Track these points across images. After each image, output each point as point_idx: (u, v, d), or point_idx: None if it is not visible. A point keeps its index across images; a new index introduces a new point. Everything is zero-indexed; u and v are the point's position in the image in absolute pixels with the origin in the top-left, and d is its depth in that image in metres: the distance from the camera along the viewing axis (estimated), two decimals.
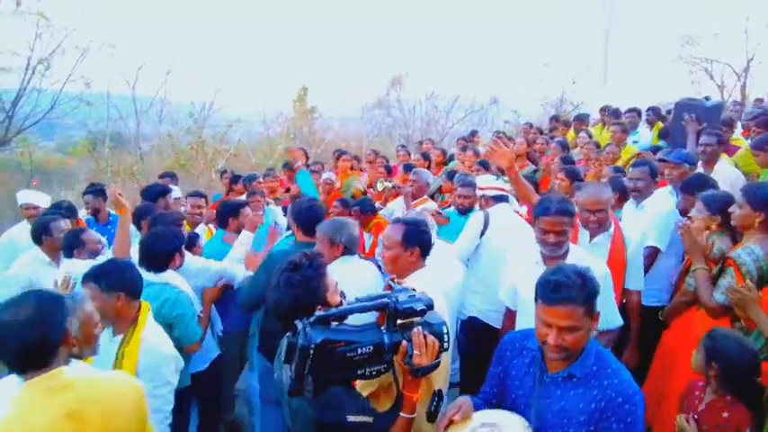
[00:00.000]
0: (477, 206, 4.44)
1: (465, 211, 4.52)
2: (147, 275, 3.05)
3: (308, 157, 8.45)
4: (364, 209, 5.11)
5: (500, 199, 4.12)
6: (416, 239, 2.61)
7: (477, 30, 21.16)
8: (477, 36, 21.05)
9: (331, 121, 18.49)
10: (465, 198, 4.54)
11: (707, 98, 6.84)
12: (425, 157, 7.46)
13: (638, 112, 7.88)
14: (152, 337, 2.67)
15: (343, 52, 21.82)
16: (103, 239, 3.86)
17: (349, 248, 3.27)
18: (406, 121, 19.98)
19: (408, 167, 6.66)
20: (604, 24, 16.19)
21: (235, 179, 6.54)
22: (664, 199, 4.13)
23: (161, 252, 3.19)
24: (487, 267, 3.83)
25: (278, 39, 22.27)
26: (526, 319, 2.68)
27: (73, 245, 3.58)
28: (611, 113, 8.45)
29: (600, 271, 2.59)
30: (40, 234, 3.87)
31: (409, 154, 8.57)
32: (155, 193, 5.00)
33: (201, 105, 16.99)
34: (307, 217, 3.46)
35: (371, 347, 1.77)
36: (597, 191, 3.41)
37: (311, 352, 1.68)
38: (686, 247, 3.20)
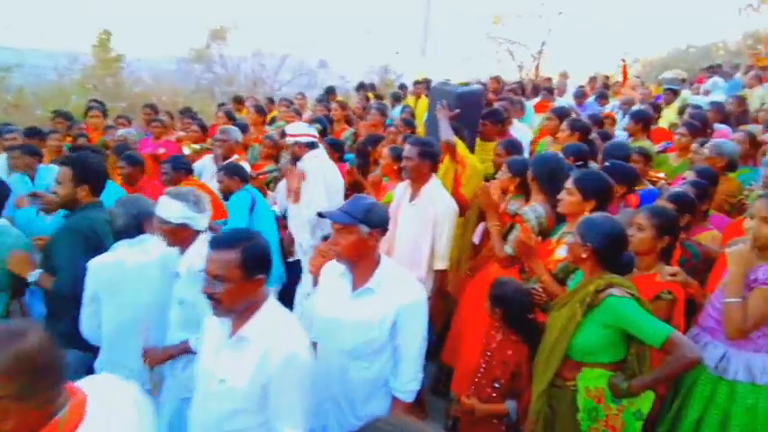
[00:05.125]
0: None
1: None
2: None
3: (106, 113, 7.42)
4: (176, 166, 4.64)
5: (313, 146, 4.33)
6: None
7: None
8: None
9: (141, 72, 16.36)
10: None
11: (467, 84, 6.06)
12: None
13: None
14: None
15: None
16: None
17: None
18: (229, 79, 18.71)
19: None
20: None
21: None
22: None
23: None
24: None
25: None
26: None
27: None
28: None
29: None
30: None
31: (229, 115, 7.39)
32: None
33: None
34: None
35: None
36: None
37: None
38: (483, 204, 3.49)
